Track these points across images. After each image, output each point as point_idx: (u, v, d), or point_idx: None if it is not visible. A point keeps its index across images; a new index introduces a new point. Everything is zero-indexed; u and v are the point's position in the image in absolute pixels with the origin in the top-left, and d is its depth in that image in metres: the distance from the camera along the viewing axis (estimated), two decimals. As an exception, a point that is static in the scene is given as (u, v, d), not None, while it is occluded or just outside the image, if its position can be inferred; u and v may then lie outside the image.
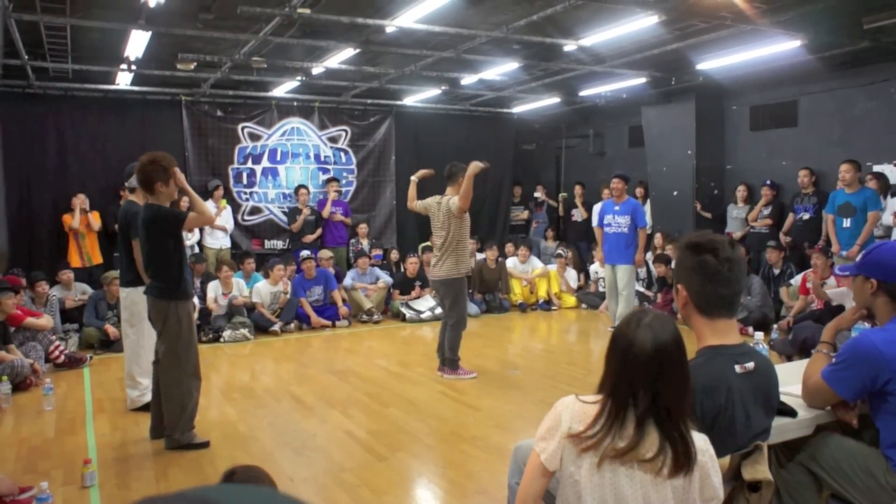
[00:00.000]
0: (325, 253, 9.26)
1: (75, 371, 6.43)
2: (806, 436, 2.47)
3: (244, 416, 5.04)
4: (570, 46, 7.16)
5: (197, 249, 9.04)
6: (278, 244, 10.41)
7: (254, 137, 10.36)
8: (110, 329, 7.10)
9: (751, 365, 2.05)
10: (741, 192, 9.01)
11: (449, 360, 6.03)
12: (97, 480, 3.81)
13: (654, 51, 7.42)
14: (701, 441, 1.73)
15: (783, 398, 2.37)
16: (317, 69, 8.29)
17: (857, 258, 2.67)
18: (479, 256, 9.87)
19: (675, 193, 9.78)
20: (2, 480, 3.53)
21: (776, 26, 6.35)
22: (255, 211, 10.41)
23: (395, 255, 10.22)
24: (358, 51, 7.33)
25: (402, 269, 9.64)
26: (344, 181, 10.92)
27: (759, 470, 2.05)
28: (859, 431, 2.49)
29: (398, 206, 11.04)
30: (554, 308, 9.70)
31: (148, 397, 5.16)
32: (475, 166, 5.57)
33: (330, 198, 10.06)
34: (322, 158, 10.85)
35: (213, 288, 7.97)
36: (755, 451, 2.06)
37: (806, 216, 8.01)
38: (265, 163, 10.45)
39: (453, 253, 5.82)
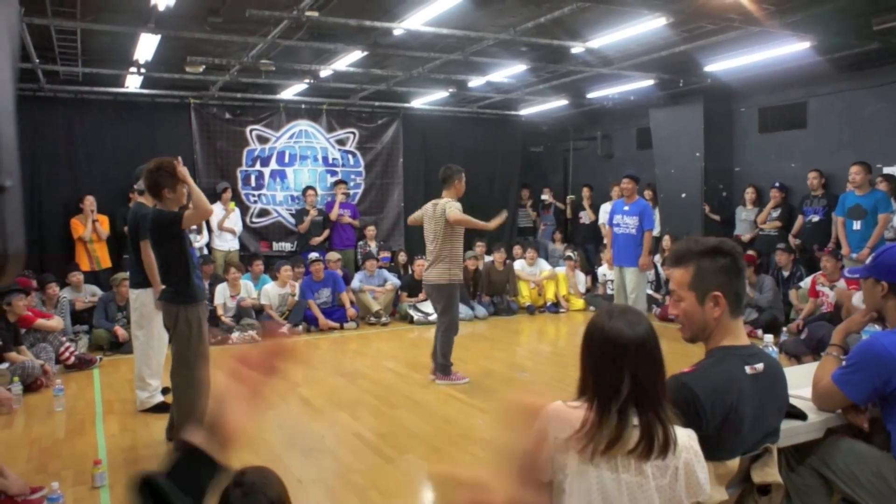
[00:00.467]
0: (333, 255, 9.28)
1: (85, 372, 6.47)
2: (816, 439, 2.45)
3: (252, 418, 5.04)
4: (577, 48, 7.16)
5: (206, 251, 9.08)
6: (286, 246, 10.44)
7: (262, 140, 10.40)
8: (120, 331, 7.14)
9: (760, 366, 2.04)
10: (750, 194, 8.97)
11: (441, 365, 5.97)
12: (107, 481, 3.83)
13: (661, 53, 7.40)
14: (685, 436, 1.70)
15: (793, 401, 2.36)
16: (325, 72, 8.32)
17: (868, 260, 2.66)
18: (487, 259, 9.87)
19: (683, 196, 9.75)
20: (14, 480, 3.55)
21: (785, 28, 6.32)
22: (264, 213, 10.44)
23: (402, 257, 10.23)
24: (366, 53, 7.35)
25: (410, 272, 9.65)
26: (352, 183, 10.94)
27: (769, 473, 2.04)
28: (870, 435, 2.47)
29: (406, 209, 11.04)
30: (562, 310, 9.68)
31: (157, 399, 5.20)
32: (494, 223, 5.98)
33: (338, 200, 10.08)
34: (330, 161, 10.87)
35: (221, 292, 7.99)
36: (765, 454, 2.05)
37: (815, 218, 7.97)
38: (273, 165, 10.48)
39: (446, 258, 5.77)
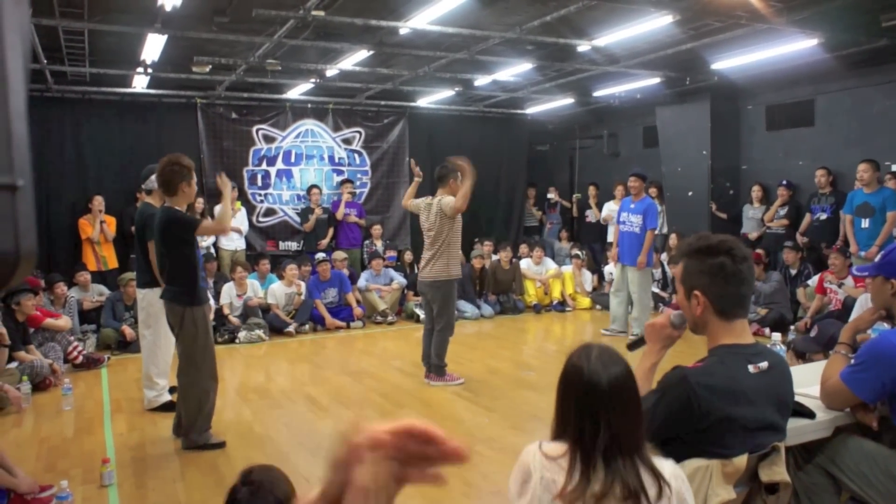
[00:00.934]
0: (340, 254, 9.29)
1: (93, 371, 6.50)
2: (825, 438, 2.44)
3: (260, 417, 5.07)
4: (583, 47, 7.14)
5: (213, 251, 9.11)
6: (293, 245, 10.46)
7: (268, 139, 10.42)
8: (127, 330, 7.17)
9: (764, 364, 2.04)
10: (756, 192, 8.94)
11: (436, 366, 5.86)
12: (115, 479, 3.85)
13: (668, 51, 7.38)
14: (670, 467, 1.67)
15: (802, 399, 2.35)
16: (331, 71, 8.33)
17: (876, 258, 2.65)
18: (494, 258, 9.87)
19: (690, 194, 9.72)
20: (23, 479, 3.58)
21: (792, 25, 6.29)
22: (270, 213, 10.46)
23: (409, 256, 10.24)
24: (372, 52, 7.36)
25: (416, 271, 9.65)
26: (358, 182, 10.95)
27: (777, 472, 2.04)
28: (879, 434, 2.46)
29: (412, 208, 11.05)
30: (568, 309, 9.67)
31: (165, 397, 5.23)
32: (469, 169, 5.41)
33: (344, 199, 10.09)
34: (336, 160, 10.89)
35: (227, 291, 8.02)
36: (773, 453, 2.05)
37: (823, 216, 7.94)
38: (279, 164, 10.50)
39: (444, 255, 5.67)
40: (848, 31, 6.67)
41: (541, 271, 9.88)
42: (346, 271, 9.03)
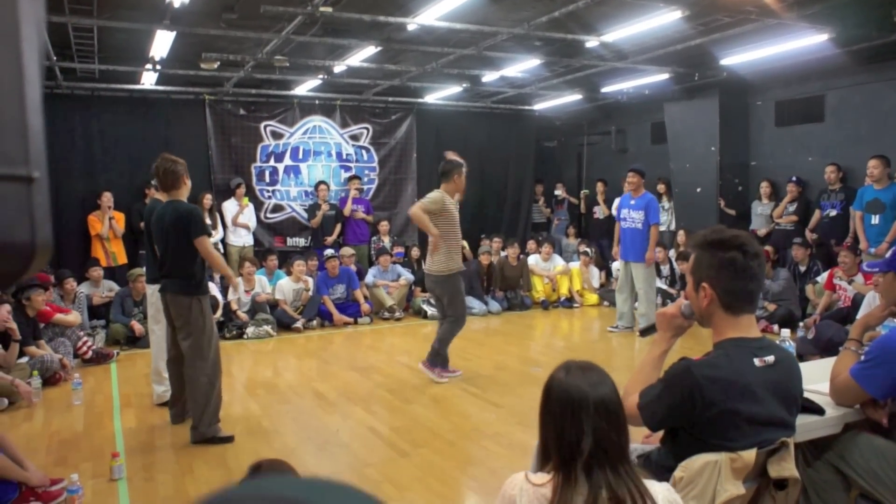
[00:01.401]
0: (347, 250, 9.31)
1: (103, 366, 6.55)
2: (834, 434, 2.44)
3: (267, 412, 5.09)
4: (591, 42, 7.12)
5: (221, 247, 9.14)
6: (300, 242, 10.48)
7: (276, 136, 10.44)
8: (136, 325, 7.21)
9: (770, 359, 2.03)
10: (765, 188, 8.90)
11: (432, 352, 5.82)
12: (125, 473, 3.88)
13: (677, 46, 7.35)
14: (664, 490, 1.66)
15: (811, 396, 2.34)
16: (338, 67, 8.33)
17: (887, 255, 2.63)
18: (502, 254, 9.87)
19: (698, 190, 9.68)
20: (34, 472, 3.61)
21: (802, 20, 6.25)
22: (278, 209, 10.49)
23: (416, 252, 10.24)
24: (379, 49, 7.36)
25: (424, 266, 9.66)
26: (366, 179, 10.96)
27: (786, 468, 2.03)
28: (889, 430, 2.45)
29: (419, 204, 11.05)
30: (576, 306, 9.66)
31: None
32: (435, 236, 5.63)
33: (351, 195, 10.11)
34: (344, 156, 10.90)
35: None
36: (781, 449, 2.04)
37: (833, 213, 7.89)
38: (287, 161, 10.53)
39: (441, 247, 5.69)
40: (859, 27, 6.62)
41: (549, 267, 9.87)
42: (353, 267, 9.05)
